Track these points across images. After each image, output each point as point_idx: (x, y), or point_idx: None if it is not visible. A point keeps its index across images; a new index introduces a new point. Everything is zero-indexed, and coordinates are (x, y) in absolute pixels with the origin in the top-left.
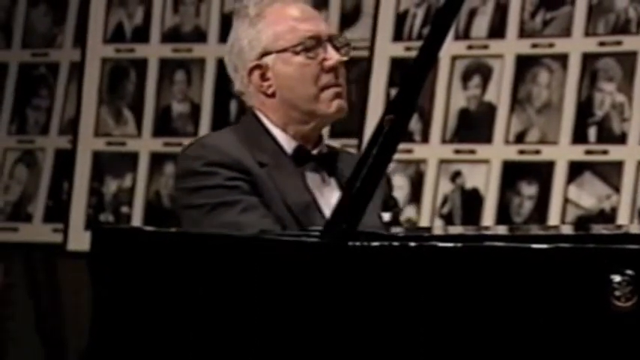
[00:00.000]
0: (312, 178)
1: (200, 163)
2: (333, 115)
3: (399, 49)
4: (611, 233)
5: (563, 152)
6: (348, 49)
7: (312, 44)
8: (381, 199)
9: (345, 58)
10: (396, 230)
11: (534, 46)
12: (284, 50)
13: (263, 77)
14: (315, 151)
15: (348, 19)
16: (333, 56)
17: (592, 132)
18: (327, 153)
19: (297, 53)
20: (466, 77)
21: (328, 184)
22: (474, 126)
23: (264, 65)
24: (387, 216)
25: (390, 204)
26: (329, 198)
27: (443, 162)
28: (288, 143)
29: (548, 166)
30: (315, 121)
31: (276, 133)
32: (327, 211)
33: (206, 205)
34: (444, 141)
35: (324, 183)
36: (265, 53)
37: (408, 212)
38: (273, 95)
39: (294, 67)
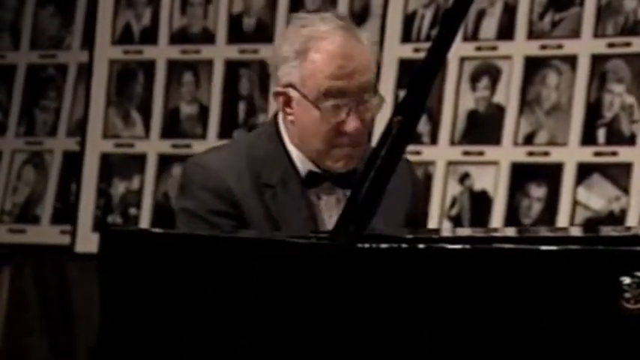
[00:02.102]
0: (327, 201)
1: (194, 184)
2: (336, 170)
3: (407, 51)
4: (620, 235)
5: (572, 154)
6: (379, 104)
7: (335, 105)
8: (407, 200)
9: (369, 118)
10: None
11: (543, 47)
12: (306, 98)
13: (287, 104)
14: (329, 174)
15: (357, 19)
16: (351, 122)
17: (601, 133)
18: (344, 173)
19: (316, 108)
20: (475, 79)
21: (343, 202)
22: (482, 127)
23: (288, 95)
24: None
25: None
26: None
27: (451, 164)
28: (302, 164)
29: (557, 168)
30: (322, 166)
31: (293, 151)
32: None
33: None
34: (452, 142)
35: (339, 202)
36: (292, 87)
37: None
38: (293, 123)
39: (311, 120)
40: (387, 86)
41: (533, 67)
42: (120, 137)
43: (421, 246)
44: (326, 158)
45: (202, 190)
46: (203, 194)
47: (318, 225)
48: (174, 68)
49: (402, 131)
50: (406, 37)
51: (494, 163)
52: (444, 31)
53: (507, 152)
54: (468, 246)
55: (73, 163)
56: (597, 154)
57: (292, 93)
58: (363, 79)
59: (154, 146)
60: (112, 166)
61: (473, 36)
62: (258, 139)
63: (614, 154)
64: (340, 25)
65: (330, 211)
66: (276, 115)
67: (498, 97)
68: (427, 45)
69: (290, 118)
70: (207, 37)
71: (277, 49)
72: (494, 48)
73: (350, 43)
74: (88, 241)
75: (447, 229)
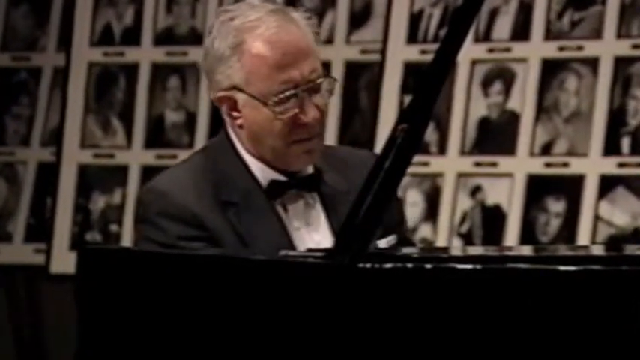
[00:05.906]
0: (294, 209)
1: (154, 213)
2: (299, 167)
3: (413, 53)
4: None
5: (593, 165)
6: (332, 87)
7: (286, 97)
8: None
9: (324, 104)
10: (410, 250)
11: (561, 49)
12: (254, 97)
13: (233, 108)
14: (293, 179)
15: (358, 19)
16: (308, 112)
17: (625, 143)
18: (309, 175)
19: (266, 105)
20: (487, 83)
21: (312, 207)
22: (495, 136)
23: (233, 98)
24: (383, 242)
25: (392, 227)
26: (315, 225)
27: (462, 176)
28: (262, 174)
29: (578, 181)
30: (283, 166)
31: (250, 161)
32: (311, 245)
33: None
34: (462, 153)
35: (308, 208)
36: (236, 89)
37: (424, 231)
38: (242, 127)
39: (263, 118)
40: (391, 91)
41: (551, 70)
42: (99, 147)
43: (428, 266)
44: (285, 157)
45: (165, 219)
46: (167, 223)
47: (290, 236)
48: (159, 72)
49: (407, 140)
50: (412, 38)
51: (509, 175)
52: (453, 32)
53: (523, 163)
54: (479, 266)
55: (48, 175)
56: (621, 165)
57: (237, 95)
58: (309, 62)
59: (137, 157)
60: (90, 179)
61: (485, 37)
62: (213, 153)
63: (639, 165)
64: (272, 10)
65: (299, 219)
66: (225, 126)
67: (513, 103)
68: (435, 47)
69: (238, 122)
70: (195, 38)
71: (209, 50)
72: (508, 50)
73: (287, 26)
74: (64, 261)
75: (456, 247)
